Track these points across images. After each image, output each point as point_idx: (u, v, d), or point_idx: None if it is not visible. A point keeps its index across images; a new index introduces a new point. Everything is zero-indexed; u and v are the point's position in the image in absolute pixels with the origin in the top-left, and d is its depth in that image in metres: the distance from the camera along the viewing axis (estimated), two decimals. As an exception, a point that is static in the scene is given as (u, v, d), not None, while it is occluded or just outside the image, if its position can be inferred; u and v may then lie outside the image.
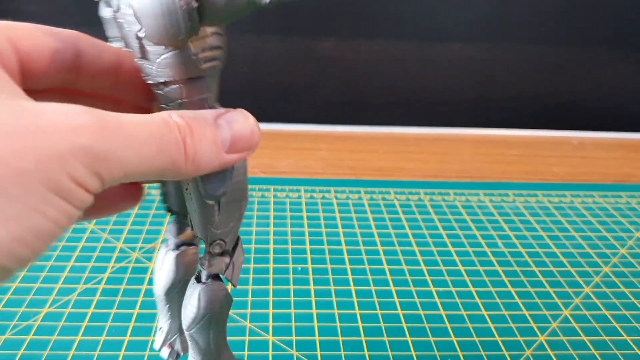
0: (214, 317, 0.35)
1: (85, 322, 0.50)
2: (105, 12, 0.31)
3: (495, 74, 1.03)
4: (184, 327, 0.36)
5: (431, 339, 0.50)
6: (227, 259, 0.34)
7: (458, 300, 0.55)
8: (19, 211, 0.20)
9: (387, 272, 0.59)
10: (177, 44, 0.27)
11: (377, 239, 0.65)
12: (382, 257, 0.61)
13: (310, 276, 0.58)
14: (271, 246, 0.62)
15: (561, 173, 0.85)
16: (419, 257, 0.62)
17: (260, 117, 0.94)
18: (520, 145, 0.95)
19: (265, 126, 0.94)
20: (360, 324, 0.52)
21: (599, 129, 1.02)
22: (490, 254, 0.63)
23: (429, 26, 0.98)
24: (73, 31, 0.28)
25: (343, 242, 0.63)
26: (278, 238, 0.64)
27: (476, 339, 0.51)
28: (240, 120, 0.27)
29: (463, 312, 0.54)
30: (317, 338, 0.50)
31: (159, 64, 0.28)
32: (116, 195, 0.32)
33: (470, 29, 0.99)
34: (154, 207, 0.68)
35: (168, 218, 0.38)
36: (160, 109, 0.30)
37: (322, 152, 0.87)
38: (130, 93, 0.31)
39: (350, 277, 0.58)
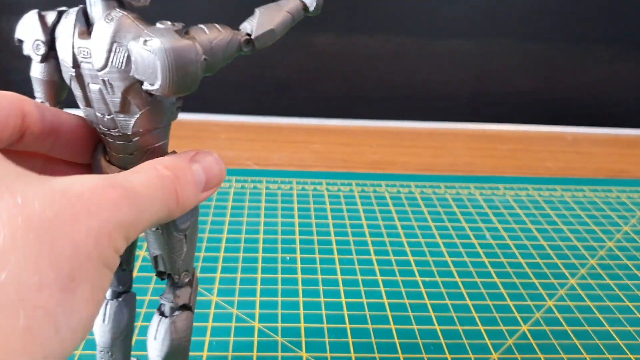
0: (187, 344, 0.38)
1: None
2: (37, 72, 0.33)
3: (491, 70, 1.03)
4: None
5: (415, 327, 0.51)
6: (189, 288, 0.37)
7: (443, 290, 0.56)
8: (92, 292, 0.23)
9: (375, 262, 0.60)
10: (184, 94, 0.29)
11: (366, 230, 0.65)
12: (370, 248, 0.62)
13: (299, 265, 0.58)
14: (261, 236, 0.63)
15: (554, 168, 0.85)
16: (407, 248, 0.62)
17: (257, 111, 0.95)
18: (515, 140, 0.95)
19: (261, 119, 0.95)
20: (345, 312, 0.52)
21: (594, 125, 1.03)
22: (477, 245, 0.64)
23: (426, 22, 0.98)
24: (17, 94, 0.30)
25: (332, 233, 0.64)
26: (268, 228, 0.64)
27: (459, 327, 0.51)
28: (211, 161, 0.30)
29: (448, 302, 0.55)
30: (302, 325, 0.51)
31: (141, 115, 0.30)
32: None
33: (466, 24, 0.99)
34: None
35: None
36: (119, 159, 0.32)
37: (315, 145, 0.88)
38: (64, 151, 0.33)
39: (337, 266, 0.59)
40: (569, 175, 0.83)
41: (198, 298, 0.53)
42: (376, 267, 0.59)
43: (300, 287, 0.55)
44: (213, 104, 0.96)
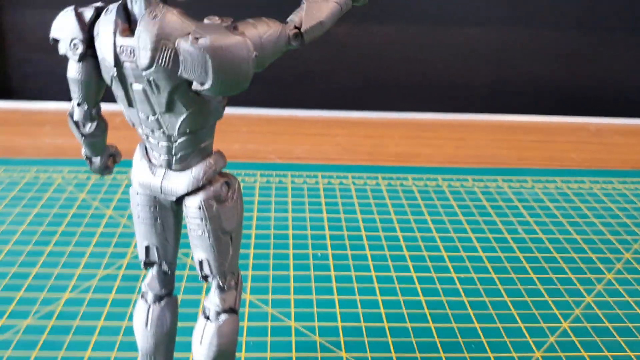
0: (234, 348, 0.37)
1: (106, 308, 0.50)
2: (75, 72, 0.32)
3: (511, 59, 1.02)
4: None
5: (454, 325, 0.50)
6: (234, 291, 0.36)
7: (480, 287, 0.55)
8: None
9: (408, 259, 0.59)
10: (235, 93, 0.29)
11: (396, 225, 0.64)
12: (402, 243, 0.61)
13: (331, 262, 0.57)
14: (290, 232, 0.62)
15: (579, 159, 0.84)
16: (439, 244, 0.61)
17: (276, 103, 0.94)
18: (537, 131, 0.94)
19: (281, 112, 0.94)
20: (382, 310, 0.51)
21: (616, 115, 1.01)
22: (510, 240, 0.62)
23: (445, 10, 0.97)
24: None
25: (362, 229, 0.63)
26: (297, 224, 0.63)
27: (499, 325, 0.50)
28: None
29: (485, 299, 0.53)
30: (339, 324, 0.49)
31: (187, 115, 0.30)
32: None
33: (486, 12, 0.98)
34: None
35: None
36: (163, 161, 0.32)
37: (338, 137, 0.86)
38: None
39: (370, 263, 0.58)
40: (595, 166, 0.82)
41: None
42: (410, 264, 0.58)
43: (334, 284, 0.54)
44: (232, 96, 0.95)
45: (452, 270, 0.57)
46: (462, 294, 0.54)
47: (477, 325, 0.50)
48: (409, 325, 0.50)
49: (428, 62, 1.01)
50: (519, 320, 0.51)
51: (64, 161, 0.74)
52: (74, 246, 0.58)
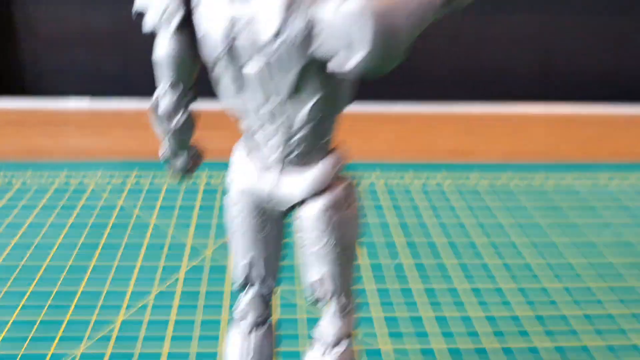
0: None
1: (169, 331, 0.44)
2: (166, 49, 0.27)
3: (558, 47, 0.96)
4: None
5: (560, 344, 0.44)
6: (354, 314, 0.30)
7: (577, 298, 0.49)
8: None
9: (491, 268, 0.53)
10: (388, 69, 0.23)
11: (469, 229, 0.58)
12: (481, 251, 0.55)
13: (408, 273, 0.52)
14: (356, 239, 0.56)
15: (650, 153, 0.78)
16: (522, 250, 0.55)
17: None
18: (595, 122, 0.88)
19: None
20: (477, 329, 0.45)
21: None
22: (599, 245, 0.57)
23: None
24: None
25: (432, 235, 0.57)
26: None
27: (612, 342, 0.45)
28: None
29: (588, 312, 0.48)
30: (435, 346, 0.44)
31: (316, 102, 0.25)
32: None
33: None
34: (218, 199, 0.62)
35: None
36: (275, 161, 0.27)
37: (384, 133, 0.81)
38: None
39: (451, 273, 0.52)
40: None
41: (307, 316, 0.46)
42: (495, 273, 0.52)
43: (417, 299, 0.48)
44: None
45: (542, 279, 0.51)
46: (561, 308, 0.48)
47: (587, 344, 0.44)
48: (511, 345, 0.44)
49: (471, 50, 0.95)
50: (631, 337, 0.45)
51: (96, 164, 0.68)
52: (120, 260, 0.52)
